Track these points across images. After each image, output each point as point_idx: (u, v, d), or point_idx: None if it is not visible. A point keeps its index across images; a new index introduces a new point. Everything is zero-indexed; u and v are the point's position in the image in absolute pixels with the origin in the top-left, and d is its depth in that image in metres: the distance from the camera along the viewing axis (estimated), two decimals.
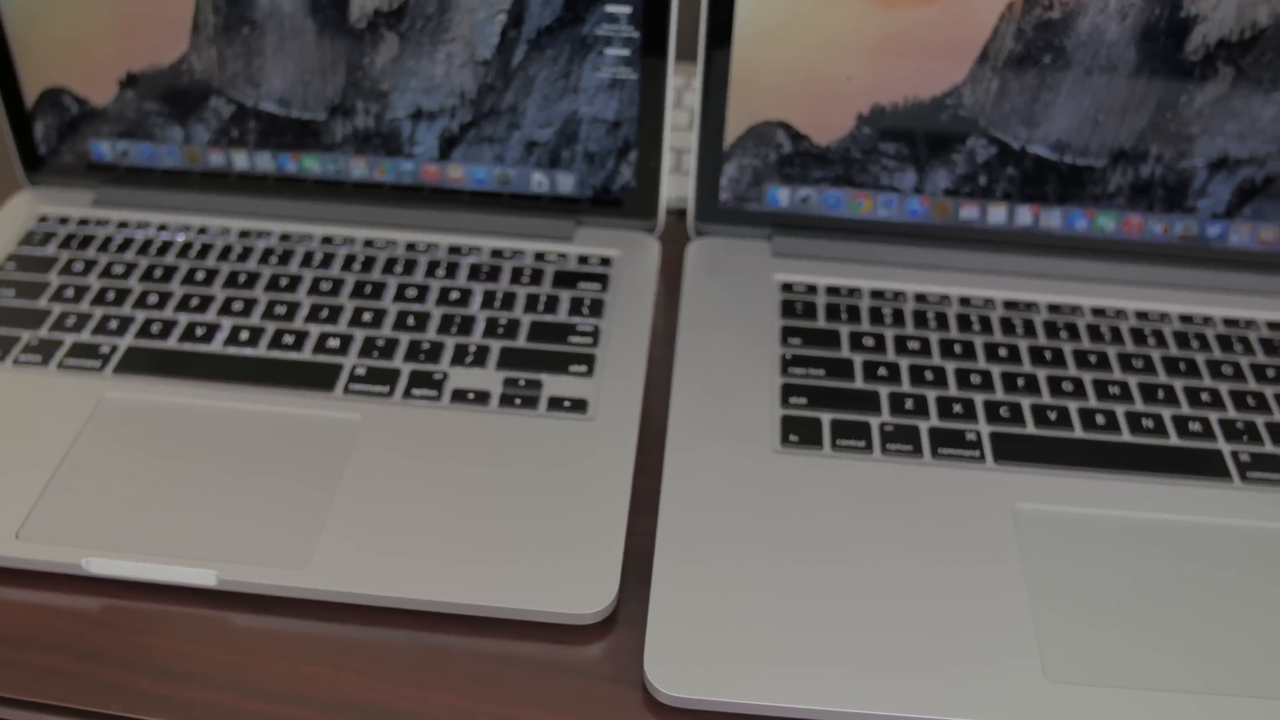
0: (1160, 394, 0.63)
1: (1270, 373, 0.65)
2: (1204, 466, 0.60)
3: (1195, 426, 0.62)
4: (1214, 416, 0.62)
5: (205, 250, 0.70)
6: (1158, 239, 0.70)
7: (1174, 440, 0.61)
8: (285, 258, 0.70)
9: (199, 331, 0.64)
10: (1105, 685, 0.50)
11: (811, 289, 0.69)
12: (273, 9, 0.67)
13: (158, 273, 0.68)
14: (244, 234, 0.71)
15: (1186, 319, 0.69)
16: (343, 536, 0.54)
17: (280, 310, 0.66)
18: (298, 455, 0.58)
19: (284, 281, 0.68)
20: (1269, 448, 0.61)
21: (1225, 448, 0.61)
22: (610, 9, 0.65)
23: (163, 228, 0.71)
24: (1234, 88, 0.65)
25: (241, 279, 0.68)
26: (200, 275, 0.68)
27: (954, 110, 0.67)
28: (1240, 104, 0.66)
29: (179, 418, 0.60)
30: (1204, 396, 0.64)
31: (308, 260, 0.69)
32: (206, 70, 0.69)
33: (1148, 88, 0.66)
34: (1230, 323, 0.68)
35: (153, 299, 0.66)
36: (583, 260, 0.70)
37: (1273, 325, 0.68)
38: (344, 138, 0.71)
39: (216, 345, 0.64)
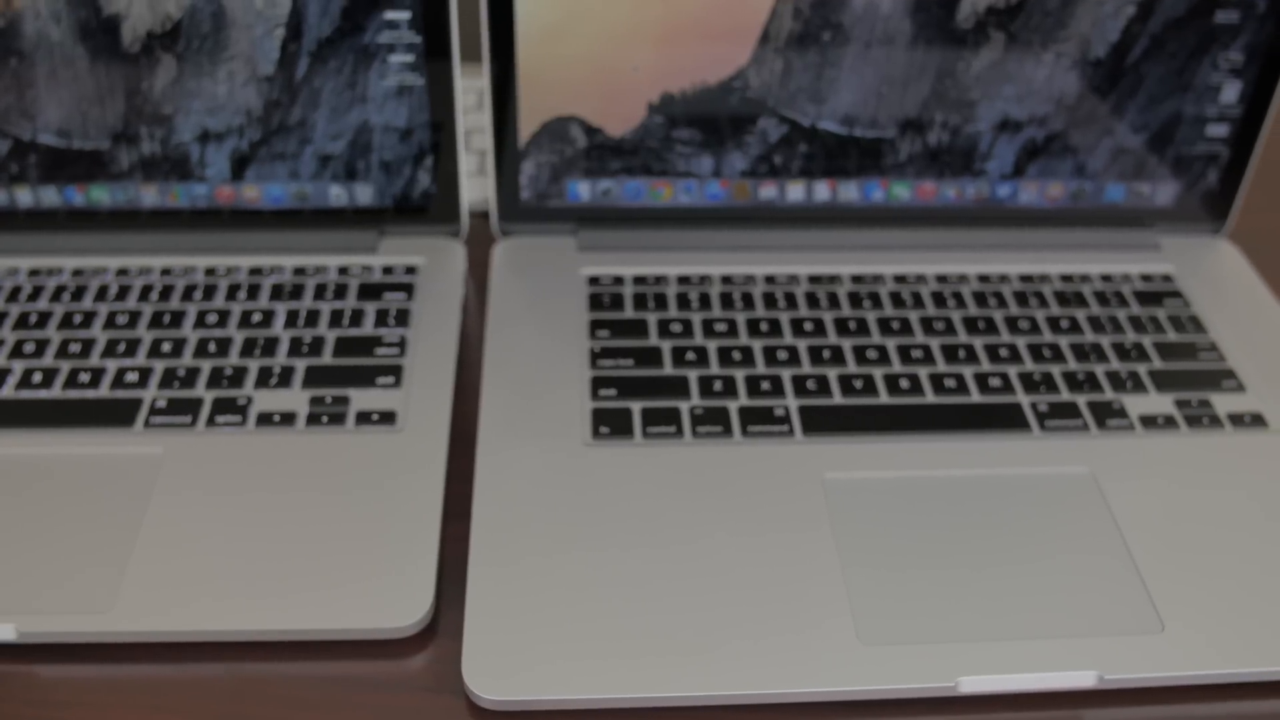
0: (961, 354, 0.65)
1: (1063, 324, 0.67)
2: (1005, 420, 0.62)
3: (995, 382, 0.64)
4: (1013, 371, 0.64)
5: None
6: (952, 203, 0.72)
7: (976, 397, 0.63)
8: (78, 294, 0.67)
9: None
10: (918, 641, 0.51)
11: (619, 280, 0.69)
12: (40, 39, 0.64)
13: None
14: (33, 273, 0.69)
15: (984, 279, 0.71)
16: (148, 574, 0.53)
17: (74, 348, 0.64)
18: (98, 496, 0.56)
19: (78, 318, 0.66)
20: (1064, 395, 0.63)
21: (1024, 400, 0.63)
22: (389, 16, 0.65)
23: None
24: (1007, 52, 0.67)
25: (32, 319, 0.66)
26: None
27: (742, 93, 0.68)
28: (1015, 67, 0.68)
29: None
30: (1002, 352, 0.66)
31: (102, 294, 0.67)
32: None
33: (926, 57, 0.67)
34: (1025, 279, 0.71)
35: None
36: (387, 271, 0.69)
37: (1065, 278, 0.71)
38: (131, 165, 0.69)
39: (7, 390, 0.61)
